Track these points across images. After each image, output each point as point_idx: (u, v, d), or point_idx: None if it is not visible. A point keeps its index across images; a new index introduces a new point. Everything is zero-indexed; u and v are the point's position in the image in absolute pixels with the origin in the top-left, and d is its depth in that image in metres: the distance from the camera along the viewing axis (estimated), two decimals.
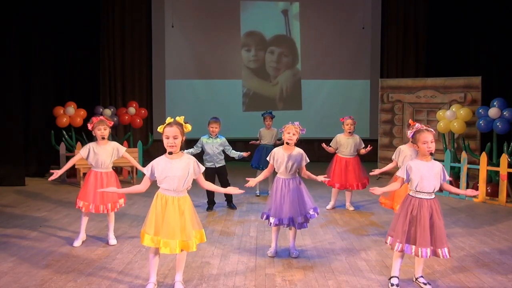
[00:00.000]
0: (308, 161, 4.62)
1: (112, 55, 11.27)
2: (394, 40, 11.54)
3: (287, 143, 4.55)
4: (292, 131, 4.55)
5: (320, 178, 4.65)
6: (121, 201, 5.02)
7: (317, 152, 10.06)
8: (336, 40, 11.75)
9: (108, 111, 9.47)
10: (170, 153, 3.61)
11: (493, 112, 7.38)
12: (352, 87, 11.88)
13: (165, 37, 11.53)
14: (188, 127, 3.71)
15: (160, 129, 3.68)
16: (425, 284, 3.85)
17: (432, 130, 3.87)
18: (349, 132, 6.49)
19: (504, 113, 7.31)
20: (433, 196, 3.79)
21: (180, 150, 3.68)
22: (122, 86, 11.39)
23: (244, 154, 6.52)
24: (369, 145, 6.45)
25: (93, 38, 10.69)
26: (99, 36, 10.98)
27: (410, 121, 4.17)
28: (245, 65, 12.03)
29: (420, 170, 3.76)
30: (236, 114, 11.66)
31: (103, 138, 4.90)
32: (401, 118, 9.23)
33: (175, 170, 3.61)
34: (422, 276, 3.94)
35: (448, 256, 3.75)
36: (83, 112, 9.17)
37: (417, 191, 3.78)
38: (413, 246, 3.72)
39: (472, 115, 7.84)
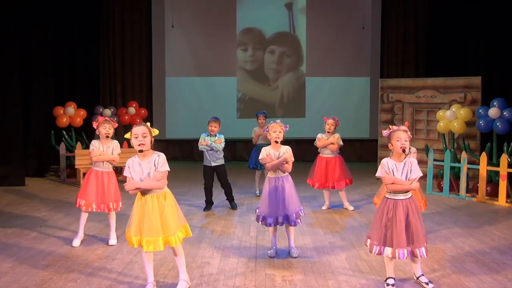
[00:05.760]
0: (293, 160, 4.60)
1: (112, 55, 11.24)
2: (394, 39, 11.52)
3: (276, 142, 4.60)
4: (278, 129, 4.60)
5: (282, 157, 4.52)
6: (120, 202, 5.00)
7: (317, 152, 10.01)
8: (337, 39, 11.27)
9: (108, 111, 9.46)
10: (141, 151, 3.63)
11: (493, 112, 7.37)
12: (352, 86, 11.38)
13: (165, 37, 11.42)
14: (155, 131, 3.75)
15: (127, 135, 3.72)
16: (427, 284, 3.84)
17: (409, 133, 3.85)
18: (328, 132, 6.58)
19: (504, 113, 7.30)
20: (409, 196, 3.79)
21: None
22: (122, 86, 11.36)
23: (217, 141, 6.39)
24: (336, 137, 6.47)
25: (93, 38, 10.69)
26: (99, 36, 10.97)
27: (406, 123, 4.17)
28: (240, 66, 11.17)
29: (392, 171, 3.77)
30: (232, 117, 11.14)
31: (107, 137, 4.89)
32: (401, 118, 9.20)
33: (145, 170, 3.65)
34: (423, 275, 3.93)
35: (425, 256, 3.76)
36: (83, 112, 9.17)
37: (391, 193, 3.79)
38: (390, 248, 3.72)
39: (472, 115, 7.83)
